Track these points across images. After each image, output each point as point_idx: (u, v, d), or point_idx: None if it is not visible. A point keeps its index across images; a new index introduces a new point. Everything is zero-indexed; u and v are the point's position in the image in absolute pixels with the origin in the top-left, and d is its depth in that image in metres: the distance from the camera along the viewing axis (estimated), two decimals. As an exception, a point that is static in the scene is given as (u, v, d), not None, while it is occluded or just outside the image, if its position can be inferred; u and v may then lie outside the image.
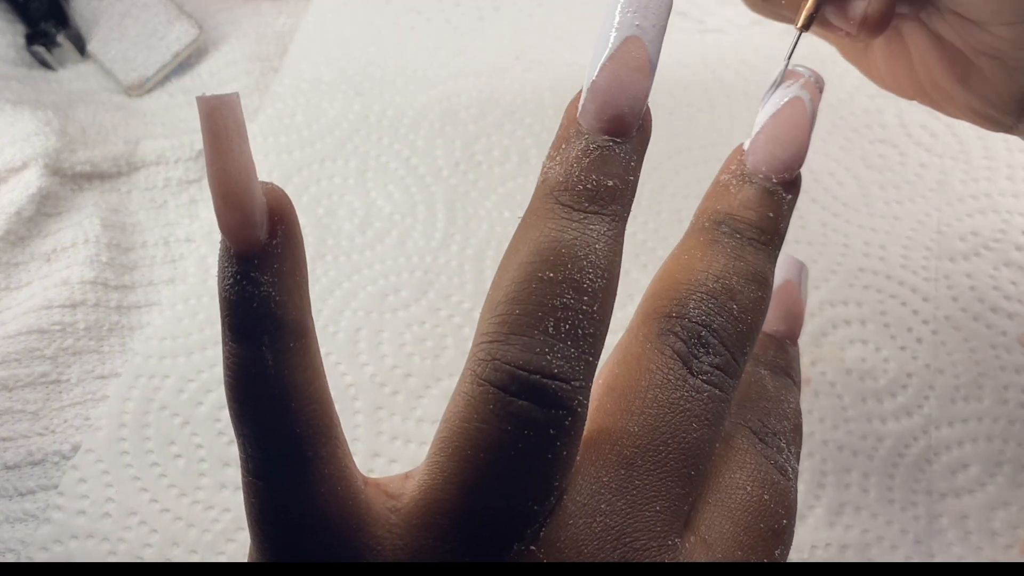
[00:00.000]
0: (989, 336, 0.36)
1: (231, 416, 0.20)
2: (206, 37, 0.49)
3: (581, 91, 0.22)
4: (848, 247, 0.39)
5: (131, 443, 0.34)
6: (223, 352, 0.20)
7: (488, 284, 0.38)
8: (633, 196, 0.22)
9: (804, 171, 0.41)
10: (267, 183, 0.19)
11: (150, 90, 0.47)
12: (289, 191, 0.42)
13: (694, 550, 0.20)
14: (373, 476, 0.21)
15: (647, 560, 0.20)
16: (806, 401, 0.34)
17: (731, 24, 0.48)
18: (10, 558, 0.32)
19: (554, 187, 0.21)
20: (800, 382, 0.26)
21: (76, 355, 0.37)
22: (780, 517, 0.22)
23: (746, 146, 0.24)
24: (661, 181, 0.41)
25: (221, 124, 0.18)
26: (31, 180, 0.41)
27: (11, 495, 0.33)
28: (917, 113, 0.43)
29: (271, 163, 0.43)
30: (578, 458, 0.21)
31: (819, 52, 0.46)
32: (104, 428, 0.34)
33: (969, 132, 0.42)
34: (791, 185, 0.23)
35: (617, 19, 0.21)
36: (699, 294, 0.22)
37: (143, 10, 0.48)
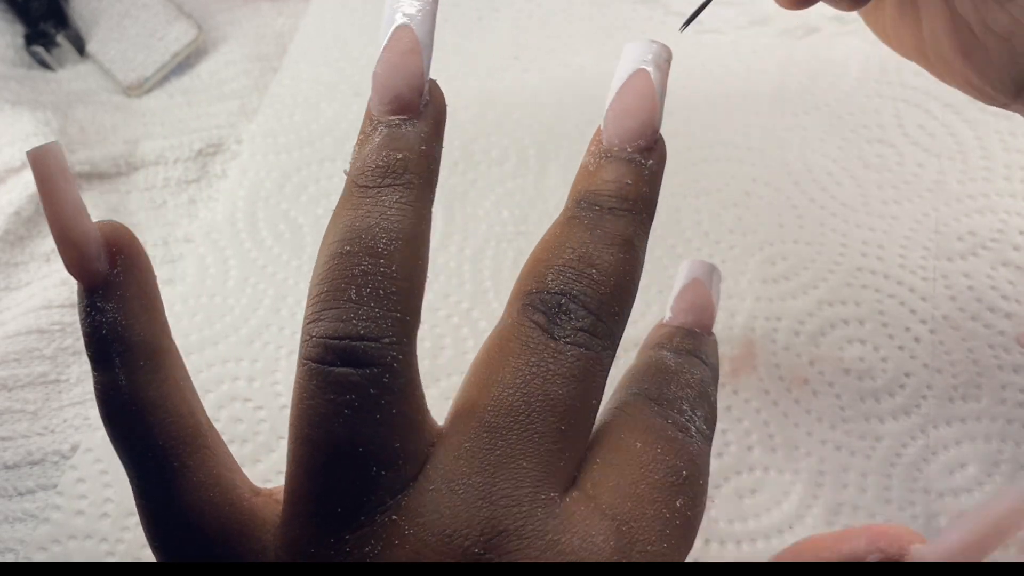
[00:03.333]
0: (987, 335, 0.36)
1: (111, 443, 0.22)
2: (205, 37, 0.49)
3: None
4: (846, 247, 0.39)
5: (130, 443, 0.34)
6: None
7: (487, 284, 0.39)
8: (433, 165, 0.23)
9: (802, 170, 0.42)
10: (105, 220, 0.22)
11: (149, 90, 0.47)
12: (288, 191, 0.42)
13: (574, 504, 0.20)
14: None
15: (517, 515, 0.20)
16: (804, 400, 0.34)
17: (729, 25, 0.48)
18: (9, 558, 0.32)
19: (354, 175, 0.22)
20: (715, 365, 0.26)
21: (75, 355, 0.37)
22: (678, 468, 0.22)
23: (602, 127, 0.24)
24: (659, 181, 0.41)
25: (47, 171, 0.20)
26: (30, 180, 0.41)
27: (10, 495, 0.33)
28: (915, 113, 0.43)
29: (270, 163, 0.43)
30: (444, 431, 0.21)
31: (819, 54, 0.46)
32: (103, 428, 0.34)
33: (966, 132, 0.42)
34: (650, 151, 0.24)
35: (386, 15, 0.23)
36: (556, 267, 0.22)
37: (142, 10, 0.48)
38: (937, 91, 0.44)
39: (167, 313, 0.37)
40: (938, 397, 0.34)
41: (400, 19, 0.23)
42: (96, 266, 0.21)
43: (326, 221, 0.40)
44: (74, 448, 0.34)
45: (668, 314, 0.27)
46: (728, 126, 0.44)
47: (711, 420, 0.24)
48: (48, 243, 0.40)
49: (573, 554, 0.19)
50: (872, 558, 0.19)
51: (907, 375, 0.35)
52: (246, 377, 0.36)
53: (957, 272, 0.38)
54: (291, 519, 0.20)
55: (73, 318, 0.37)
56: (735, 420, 0.34)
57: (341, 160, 0.43)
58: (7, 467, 0.34)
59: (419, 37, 0.23)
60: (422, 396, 0.21)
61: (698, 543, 0.31)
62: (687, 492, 0.21)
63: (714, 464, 0.33)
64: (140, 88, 0.47)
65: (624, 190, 0.23)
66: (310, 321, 0.21)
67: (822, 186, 0.41)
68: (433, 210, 0.40)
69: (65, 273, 0.39)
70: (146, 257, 0.22)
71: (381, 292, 0.20)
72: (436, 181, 0.23)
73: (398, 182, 0.22)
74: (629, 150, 0.23)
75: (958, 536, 0.18)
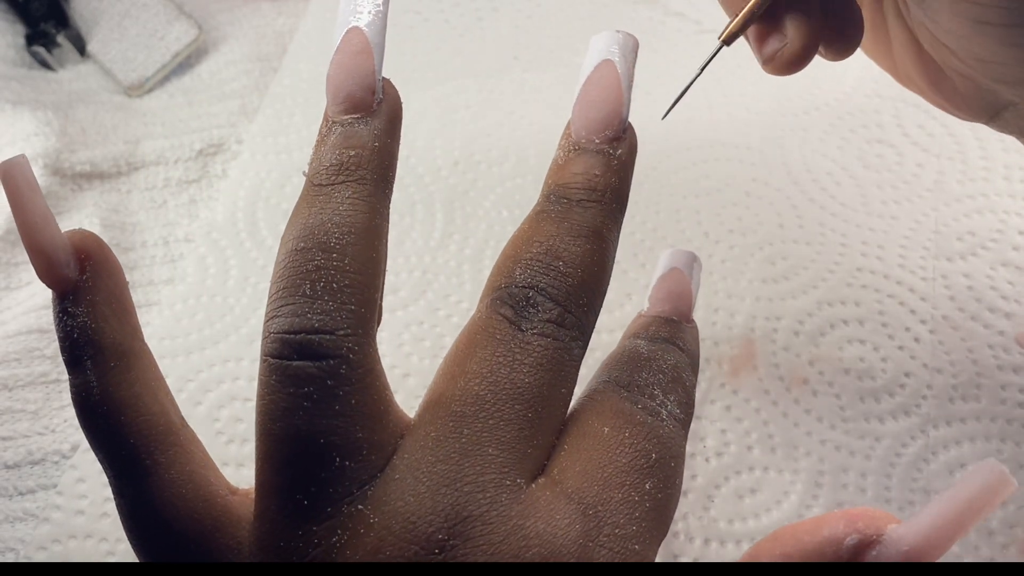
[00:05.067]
0: (987, 336, 0.36)
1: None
2: (206, 37, 0.49)
3: None
4: (846, 247, 0.39)
5: (130, 442, 0.34)
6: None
7: (487, 284, 0.39)
8: (388, 160, 0.23)
9: (802, 170, 0.42)
10: (75, 229, 0.22)
11: (150, 90, 0.47)
12: (288, 191, 0.42)
13: (540, 489, 0.20)
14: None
15: (482, 501, 0.20)
16: (804, 400, 0.34)
17: (729, 24, 0.48)
18: (10, 557, 0.32)
19: (310, 175, 0.23)
20: (693, 352, 0.26)
21: (76, 355, 0.37)
22: (647, 452, 0.21)
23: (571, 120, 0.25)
24: (659, 181, 0.41)
25: (14, 184, 0.21)
26: (31, 180, 0.41)
27: (11, 494, 0.33)
28: (914, 113, 0.43)
29: (270, 163, 0.43)
30: (414, 423, 0.21)
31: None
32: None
33: (966, 132, 0.42)
34: (618, 141, 0.24)
35: (340, 19, 0.23)
36: (523, 261, 0.22)
37: (143, 10, 0.48)
38: (937, 91, 0.44)
39: (168, 313, 0.38)
40: (938, 397, 0.34)
41: (352, 21, 0.23)
42: (65, 272, 0.22)
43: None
44: (74, 448, 0.34)
45: (646, 304, 0.27)
46: (728, 126, 0.44)
47: (686, 404, 0.24)
48: (48, 243, 0.40)
49: (538, 538, 0.19)
50: (850, 540, 0.19)
51: (907, 375, 0.35)
52: (246, 377, 0.36)
53: (957, 272, 0.38)
54: (261, 514, 0.21)
55: (73, 318, 0.38)
56: (735, 420, 0.34)
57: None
58: (7, 467, 0.34)
59: (369, 38, 0.23)
60: (385, 387, 0.21)
61: (698, 543, 0.31)
62: (657, 475, 0.21)
63: (714, 464, 0.33)
64: (141, 88, 0.47)
65: (592, 181, 0.23)
66: (269, 318, 0.21)
67: (822, 186, 0.41)
68: (433, 210, 0.41)
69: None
70: (116, 263, 0.23)
71: (335, 286, 0.21)
72: (393, 176, 0.23)
73: (351, 178, 0.22)
74: (597, 141, 0.23)
75: (933, 516, 0.18)
